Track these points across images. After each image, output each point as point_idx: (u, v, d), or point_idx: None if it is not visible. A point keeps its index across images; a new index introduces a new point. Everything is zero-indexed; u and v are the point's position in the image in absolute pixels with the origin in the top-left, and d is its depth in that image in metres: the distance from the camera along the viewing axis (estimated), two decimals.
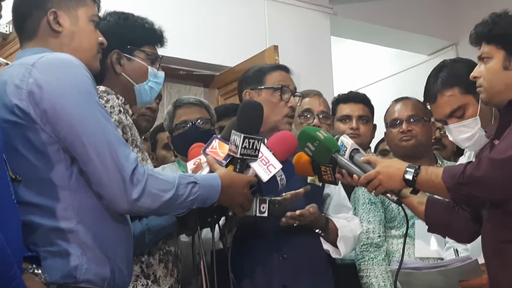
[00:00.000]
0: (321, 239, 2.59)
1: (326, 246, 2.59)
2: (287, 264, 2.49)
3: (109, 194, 1.74)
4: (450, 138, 2.54)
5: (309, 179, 2.58)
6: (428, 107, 2.65)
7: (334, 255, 2.60)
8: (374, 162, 2.17)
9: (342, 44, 6.47)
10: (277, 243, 2.51)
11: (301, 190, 2.42)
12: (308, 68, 5.07)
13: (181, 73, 5.07)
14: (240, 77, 2.81)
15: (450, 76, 2.50)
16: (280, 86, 2.63)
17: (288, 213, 2.43)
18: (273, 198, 2.16)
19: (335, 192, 2.72)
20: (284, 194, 2.37)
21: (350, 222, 2.68)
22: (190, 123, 3.03)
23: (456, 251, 2.64)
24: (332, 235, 2.59)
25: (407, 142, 3.11)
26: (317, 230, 2.57)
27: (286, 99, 2.63)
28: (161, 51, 2.39)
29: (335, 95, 3.68)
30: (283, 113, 2.62)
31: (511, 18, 2.20)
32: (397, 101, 3.26)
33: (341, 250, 2.59)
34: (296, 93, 2.69)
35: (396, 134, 3.14)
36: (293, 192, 2.40)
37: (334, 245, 2.60)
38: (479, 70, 2.23)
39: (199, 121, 3.03)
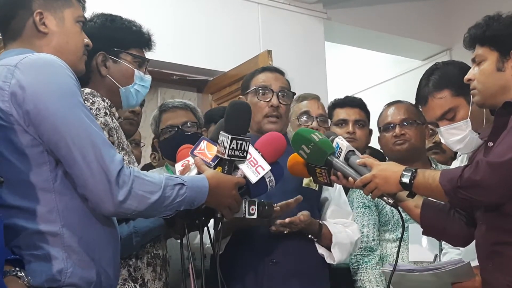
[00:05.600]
0: (316, 244, 2.58)
1: (321, 250, 2.58)
2: (278, 269, 2.48)
3: (94, 196, 1.71)
4: (442, 141, 2.53)
5: (304, 183, 2.57)
6: (421, 109, 2.64)
7: (328, 260, 2.59)
8: (370, 165, 2.15)
9: (336, 49, 6.46)
10: (267, 248, 2.50)
11: (291, 200, 2.41)
12: (302, 73, 5.05)
13: (174, 78, 5.06)
14: None
15: (441, 78, 2.49)
16: (256, 88, 2.66)
17: (278, 221, 2.42)
18: (261, 200, 2.14)
19: (334, 196, 2.69)
20: (275, 204, 2.36)
21: (348, 227, 2.66)
22: (176, 128, 3.01)
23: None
24: (326, 241, 2.57)
25: (400, 146, 3.10)
26: (310, 236, 2.55)
27: (265, 99, 2.64)
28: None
29: (330, 100, 3.68)
30: (263, 113, 2.63)
31: (504, 20, 2.20)
32: (389, 105, 3.26)
33: (335, 256, 2.57)
34: (285, 91, 2.67)
35: (390, 138, 3.13)
36: (283, 203, 2.39)
37: (330, 250, 2.58)
38: (473, 72, 2.23)
39: (186, 124, 3.01)
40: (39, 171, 1.70)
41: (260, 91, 2.65)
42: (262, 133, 2.41)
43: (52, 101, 1.70)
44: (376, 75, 7.00)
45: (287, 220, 2.42)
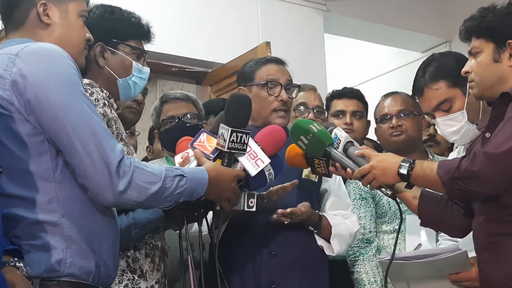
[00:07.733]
0: (315, 235, 2.58)
1: (320, 242, 2.58)
2: (276, 261, 2.48)
3: (94, 186, 1.71)
4: (439, 132, 2.54)
5: (304, 174, 2.57)
6: (417, 100, 2.65)
7: (328, 252, 2.59)
8: (368, 156, 2.16)
9: (336, 41, 6.45)
10: (266, 239, 2.50)
11: (287, 184, 2.39)
12: (301, 65, 5.02)
13: (173, 70, 5.05)
14: (237, 73, 2.81)
15: (438, 69, 2.49)
16: (266, 82, 2.61)
17: (279, 210, 2.41)
18: (261, 193, 2.14)
19: (334, 188, 2.69)
20: (271, 188, 2.35)
21: (348, 219, 2.66)
22: (177, 119, 3.01)
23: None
24: (325, 233, 2.57)
25: (397, 137, 3.09)
26: (309, 227, 2.55)
27: (274, 93, 2.61)
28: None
29: (329, 92, 3.67)
30: (271, 108, 2.60)
31: (498, 11, 2.20)
32: (386, 96, 3.25)
33: (335, 248, 2.57)
34: (291, 85, 2.66)
35: (386, 129, 3.13)
36: (279, 186, 2.37)
37: (329, 242, 2.58)
38: (470, 65, 2.23)
39: (186, 116, 3.02)
40: (40, 160, 1.70)
41: (270, 85, 2.61)
42: None
43: (53, 90, 1.70)
44: (376, 67, 6.98)
45: (288, 210, 2.41)
